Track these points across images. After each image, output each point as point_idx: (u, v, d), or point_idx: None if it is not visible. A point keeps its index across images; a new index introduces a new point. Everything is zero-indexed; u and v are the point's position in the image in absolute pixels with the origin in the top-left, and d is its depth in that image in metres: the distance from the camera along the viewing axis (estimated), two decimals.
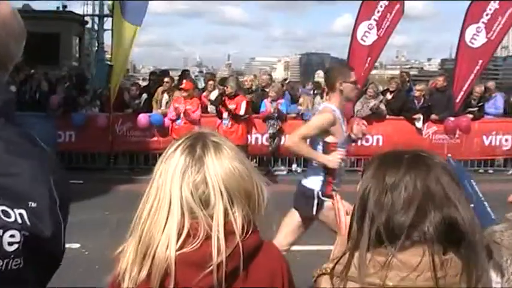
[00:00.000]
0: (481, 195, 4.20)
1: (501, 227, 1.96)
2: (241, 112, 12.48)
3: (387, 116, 14.70)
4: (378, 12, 14.38)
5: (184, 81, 13.74)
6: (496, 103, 15.35)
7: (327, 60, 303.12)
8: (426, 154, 1.75)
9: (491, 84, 16.09)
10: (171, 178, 1.78)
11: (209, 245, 1.71)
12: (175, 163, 1.80)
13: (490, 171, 15.19)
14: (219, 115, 12.82)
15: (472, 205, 4.11)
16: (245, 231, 1.75)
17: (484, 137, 14.99)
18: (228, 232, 1.73)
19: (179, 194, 1.75)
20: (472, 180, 4.37)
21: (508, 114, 15.32)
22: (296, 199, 5.88)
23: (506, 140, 15.08)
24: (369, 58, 14.53)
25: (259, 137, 14.25)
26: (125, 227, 1.86)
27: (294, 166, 14.67)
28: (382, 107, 14.61)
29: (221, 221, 1.73)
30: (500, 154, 15.34)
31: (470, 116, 14.88)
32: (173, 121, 12.94)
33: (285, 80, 24.11)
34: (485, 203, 4.15)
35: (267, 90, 14.58)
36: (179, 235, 1.72)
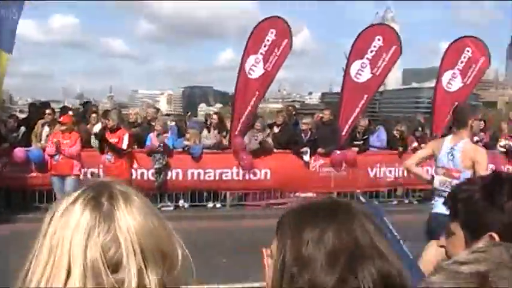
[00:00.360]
0: (396, 234, 3.99)
1: (439, 278, 1.68)
2: (124, 146, 11.92)
3: (274, 150, 14.60)
4: (265, 46, 14.34)
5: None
6: (380, 136, 15.72)
7: (210, 93, 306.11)
8: (343, 201, 1.52)
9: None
10: (70, 237, 1.41)
11: None
12: (76, 219, 1.43)
13: (375, 202, 15.41)
14: (101, 149, 12.22)
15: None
16: None
17: (369, 169, 15.24)
18: None
19: (82, 257, 1.40)
20: (385, 218, 4.16)
21: (390, 146, 15.64)
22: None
23: (390, 172, 15.43)
24: (257, 92, 14.42)
25: (144, 172, 13.74)
26: None
27: (181, 202, 14.28)
28: (269, 140, 14.52)
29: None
30: (384, 185, 15.65)
31: (356, 149, 15.08)
32: (51, 156, 12.18)
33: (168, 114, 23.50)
34: (401, 241, 3.93)
35: (153, 123, 14.14)
36: None
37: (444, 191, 6.31)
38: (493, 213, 1.78)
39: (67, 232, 1.42)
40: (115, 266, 1.45)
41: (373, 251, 1.39)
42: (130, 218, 1.48)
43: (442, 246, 1.95)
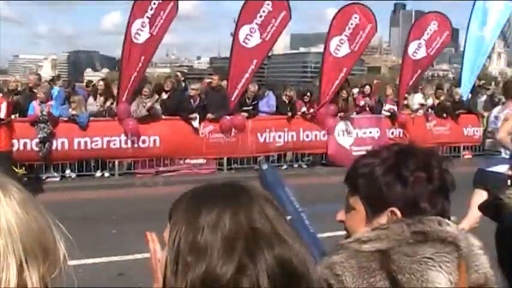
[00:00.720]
0: (297, 205, 3.94)
1: (341, 258, 1.64)
2: (1, 115, 11.26)
3: (163, 116, 14.36)
4: (151, 9, 13.93)
5: None
6: (269, 101, 15.81)
7: (96, 58, 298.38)
8: (244, 184, 1.42)
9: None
10: None
11: None
12: None
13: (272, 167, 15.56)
14: None
15: (289, 217, 3.81)
16: None
17: (259, 135, 15.32)
18: None
19: None
20: (286, 188, 4.11)
21: (279, 111, 15.77)
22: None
23: (280, 137, 15.60)
24: (143, 57, 14.03)
25: (27, 142, 13.07)
26: None
27: (68, 172, 13.81)
28: (158, 106, 14.25)
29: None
30: (274, 150, 15.80)
31: (245, 114, 15.10)
32: None
33: (57, 77, 22.23)
34: (302, 213, 3.89)
35: (35, 91, 13.47)
36: None
37: None
38: (395, 187, 1.73)
39: None
40: None
41: (273, 236, 1.31)
42: (10, 211, 1.31)
43: (341, 221, 1.90)
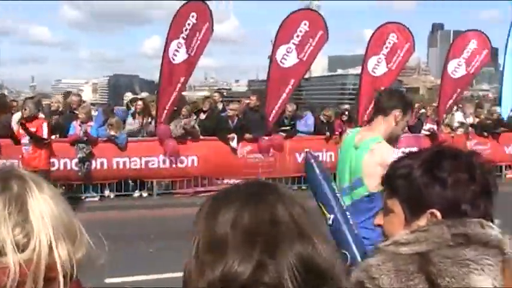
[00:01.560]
0: (342, 202, 3.83)
1: (377, 261, 1.58)
2: (44, 135, 11.47)
3: (201, 137, 14.38)
4: (186, 30, 14.04)
5: None
6: (307, 121, 15.76)
7: (136, 81, 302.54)
8: (268, 182, 1.41)
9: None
10: None
11: None
12: None
13: (303, 187, 15.49)
14: (15, 140, 11.90)
15: (332, 216, 3.71)
16: (68, 276, 1.54)
17: (297, 155, 15.24)
18: (49, 278, 1.51)
19: None
20: (333, 184, 3.99)
21: (318, 131, 15.68)
22: None
23: (318, 157, 15.45)
24: (182, 78, 14.12)
25: (67, 162, 13.25)
26: None
27: (107, 192, 13.92)
28: (196, 126, 14.31)
29: (42, 267, 1.51)
30: None
31: (283, 134, 15.05)
32: None
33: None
34: (347, 212, 3.78)
35: (76, 112, 13.66)
36: None
37: None
38: (435, 189, 1.67)
39: None
40: (23, 247, 1.52)
41: (296, 234, 1.26)
42: (42, 202, 1.57)
43: (379, 225, 1.83)
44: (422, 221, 1.68)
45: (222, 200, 1.33)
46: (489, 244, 1.57)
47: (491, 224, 1.65)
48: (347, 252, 3.47)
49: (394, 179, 1.77)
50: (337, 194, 3.79)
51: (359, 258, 3.42)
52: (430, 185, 1.68)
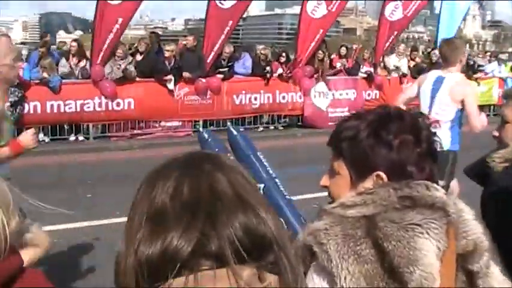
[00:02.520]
0: (270, 171, 3.85)
1: (325, 224, 1.58)
2: None
3: (137, 79, 14.15)
4: None
5: None
6: (245, 63, 15.66)
7: (69, 20, 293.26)
8: (208, 153, 1.35)
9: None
10: None
11: None
12: None
13: (241, 129, 15.50)
14: None
15: (262, 185, 3.74)
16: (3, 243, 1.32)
17: (235, 97, 15.23)
18: None
19: None
20: (259, 153, 4.00)
21: (255, 73, 15.65)
22: None
23: (256, 99, 15.53)
24: (120, 19, 13.68)
25: None
26: None
27: (41, 136, 13.55)
28: (132, 68, 14.01)
29: None
30: (250, 112, 15.72)
31: (221, 76, 14.95)
32: None
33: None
34: (277, 179, 3.80)
35: None
36: None
37: None
38: (381, 151, 1.67)
39: None
40: None
41: (239, 204, 1.22)
42: None
43: (324, 187, 1.83)
44: (368, 183, 1.68)
45: (161, 171, 1.27)
46: (434, 206, 1.59)
47: (436, 185, 1.66)
48: (282, 220, 3.51)
49: (340, 140, 1.76)
50: (265, 163, 3.82)
51: (296, 225, 3.46)
52: (376, 147, 1.68)
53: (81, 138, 14.11)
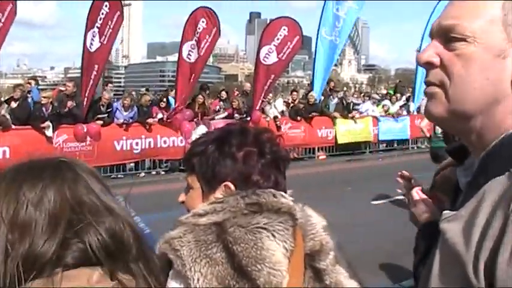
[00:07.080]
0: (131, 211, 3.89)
1: (179, 233, 1.70)
2: None
3: (13, 126, 13.74)
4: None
5: None
6: (126, 109, 15.59)
7: None
8: (69, 160, 1.41)
9: None
10: None
11: None
12: None
13: (120, 175, 15.37)
14: None
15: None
16: None
17: (115, 142, 15.08)
18: None
19: None
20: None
21: (137, 119, 15.70)
22: None
23: (137, 144, 15.42)
24: None
25: None
26: None
27: None
28: (7, 116, 13.60)
29: None
30: (132, 158, 15.60)
31: (100, 122, 14.81)
32: None
33: None
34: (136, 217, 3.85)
35: None
36: None
37: None
38: (226, 163, 1.81)
39: None
40: None
41: (102, 209, 1.31)
42: None
43: (182, 202, 1.96)
44: (218, 194, 1.81)
45: (26, 176, 1.33)
46: (280, 211, 1.72)
47: (282, 193, 1.80)
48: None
49: (191, 156, 1.90)
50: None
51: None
52: (221, 159, 1.82)
53: None
